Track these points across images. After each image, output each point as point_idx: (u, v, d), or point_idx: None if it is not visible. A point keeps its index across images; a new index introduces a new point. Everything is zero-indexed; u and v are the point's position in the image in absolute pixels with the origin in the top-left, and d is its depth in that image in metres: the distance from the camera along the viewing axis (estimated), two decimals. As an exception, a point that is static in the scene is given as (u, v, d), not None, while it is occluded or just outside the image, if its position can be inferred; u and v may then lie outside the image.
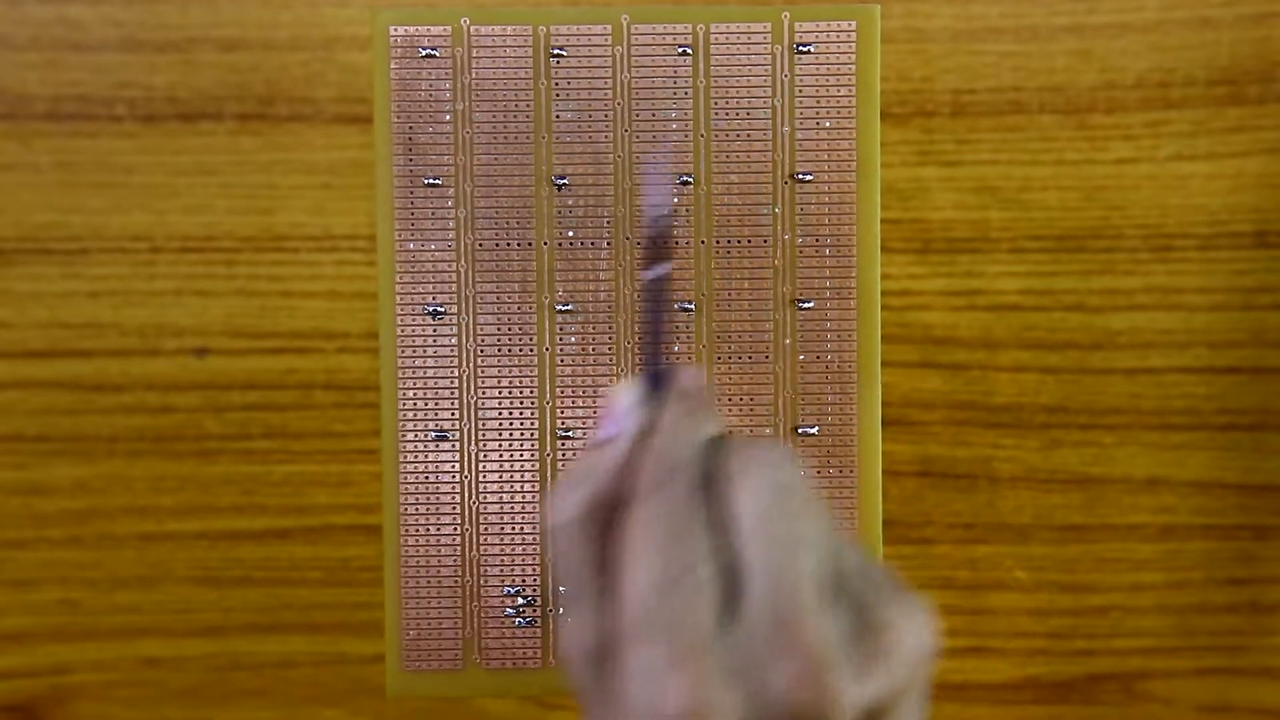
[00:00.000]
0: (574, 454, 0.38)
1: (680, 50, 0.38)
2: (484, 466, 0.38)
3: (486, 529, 0.38)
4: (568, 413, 0.38)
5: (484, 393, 0.38)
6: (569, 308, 0.38)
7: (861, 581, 0.31)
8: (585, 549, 0.31)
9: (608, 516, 0.31)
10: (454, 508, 0.38)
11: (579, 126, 0.38)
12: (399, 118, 0.38)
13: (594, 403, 0.38)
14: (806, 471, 0.31)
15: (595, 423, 0.33)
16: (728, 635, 0.29)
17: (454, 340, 0.38)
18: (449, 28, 0.38)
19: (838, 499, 0.38)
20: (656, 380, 0.33)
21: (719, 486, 0.30)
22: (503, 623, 0.38)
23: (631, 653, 0.29)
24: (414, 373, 0.38)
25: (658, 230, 0.35)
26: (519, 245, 0.38)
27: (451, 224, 0.38)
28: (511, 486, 0.38)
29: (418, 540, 0.38)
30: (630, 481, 0.31)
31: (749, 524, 0.30)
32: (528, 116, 0.38)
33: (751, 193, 0.38)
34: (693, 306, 0.38)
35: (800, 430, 0.38)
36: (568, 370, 0.38)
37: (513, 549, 0.38)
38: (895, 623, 0.30)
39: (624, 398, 0.33)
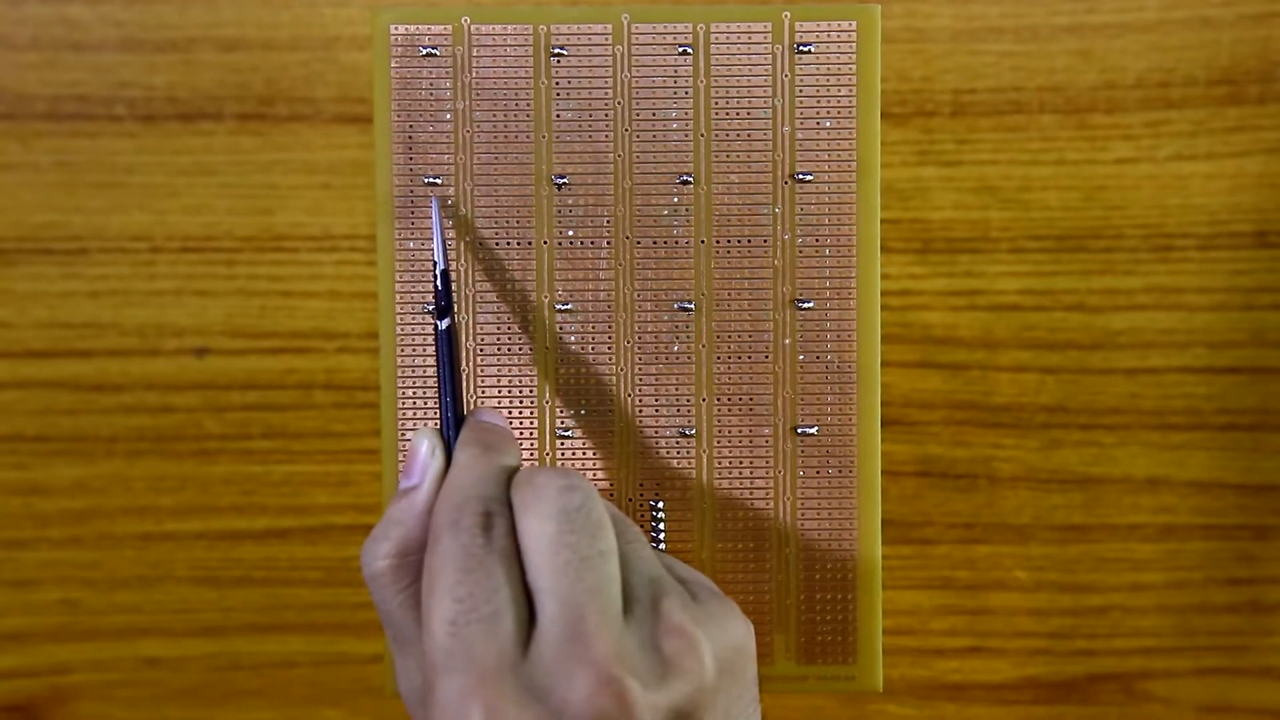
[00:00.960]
0: (573, 456, 0.38)
1: (680, 50, 0.38)
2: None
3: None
4: (568, 412, 0.38)
5: (484, 392, 0.38)
6: (569, 307, 0.38)
7: (659, 590, 0.32)
8: (399, 596, 0.32)
9: (416, 562, 0.32)
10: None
11: (579, 126, 0.38)
12: (399, 117, 0.38)
13: (594, 402, 0.38)
14: (593, 494, 0.32)
15: (398, 475, 0.34)
16: (525, 659, 0.30)
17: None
18: (449, 27, 0.38)
19: (838, 499, 0.38)
20: (452, 427, 0.35)
21: (509, 519, 0.31)
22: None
23: (437, 685, 0.30)
24: (414, 373, 0.38)
25: (443, 281, 0.36)
26: (519, 245, 0.38)
27: (451, 224, 0.38)
28: (511, 486, 0.38)
29: (418, 540, 0.38)
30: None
31: (536, 552, 0.31)
32: (528, 116, 0.38)
33: (751, 193, 0.38)
34: (693, 306, 0.38)
35: (800, 430, 0.38)
36: (568, 370, 0.38)
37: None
38: (694, 625, 0.31)
39: (420, 446, 0.34)
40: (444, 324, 0.35)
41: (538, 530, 0.31)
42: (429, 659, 0.30)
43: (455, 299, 0.38)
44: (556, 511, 0.31)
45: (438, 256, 0.36)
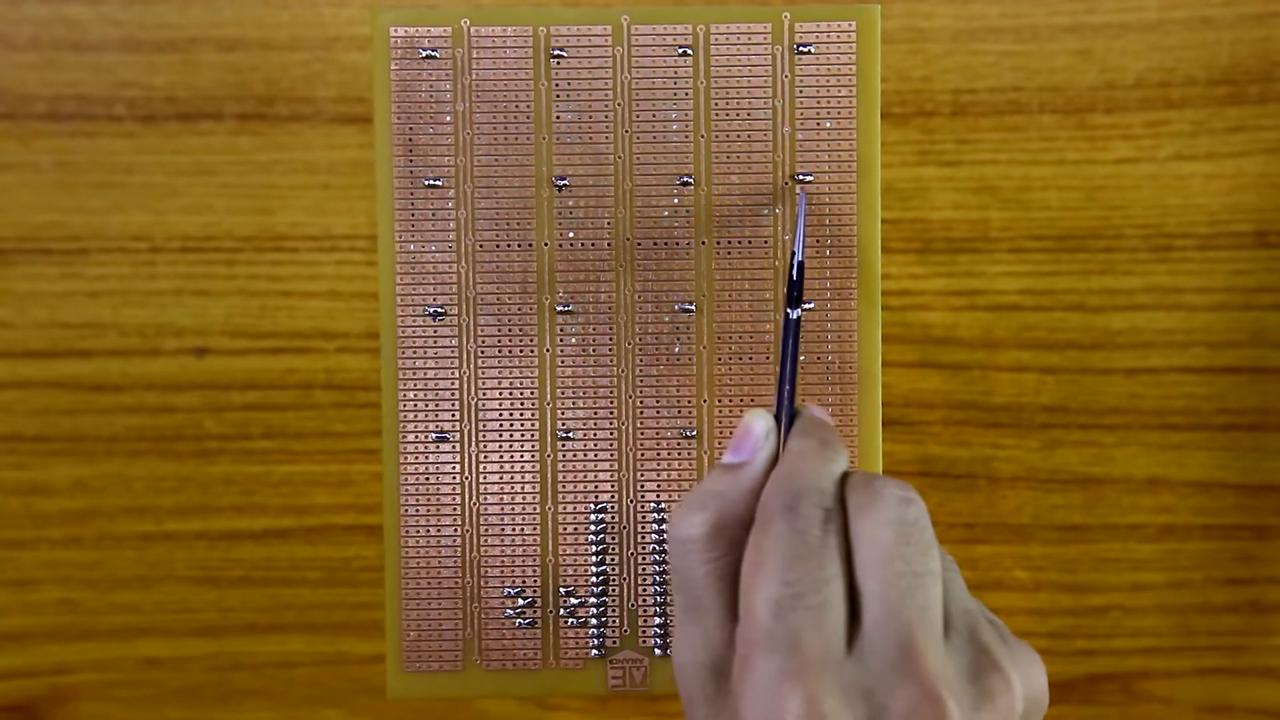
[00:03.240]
0: (573, 457, 0.38)
1: (680, 51, 0.38)
2: (484, 467, 0.38)
3: (487, 530, 0.38)
4: (568, 414, 0.38)
5: (484, 394, 0.38)
6: (569, 309, 0.38)
7: (975, 623, 0.32)
8: (708, 565, 0.32)
9: (733, 536, 0.32)
10: (454, 508, 0.38)
11: (579, 127, 0.38)
12: (399, 118, 0.38)
13: (594, 403, 0.38)
14: (926, 511, 0.31)
15: (728, 446, 0.34)
16: (848, 657, 0.30)
17: (454, 341, 0.38)
18: (449, 28, 0.38)
19: (838, 499, 0.38)
20: (788, 416, 0.34)
21: (845, 518, 0.31)
22: (503, 624, 0.38)
23: (754, 664, 0.30)
24: (414, 373, 0.38)
25: (798, 273, 0.36)
26: (519, 246, 0.38)
27: (452, 224, 0.38)
28: (512, 487, 0.38)
29: (418, 541, 0.38)
30: (757, 506, 0.32)
31: (870, 557, 0.31)
32: (528, 117, 0.38)
33: (752, 193, 0.38)
34: (693, 307, 0.38)
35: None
36: (568, 371, 0.38)
37: (513, 550, 0.38)
38: (1011, 666, 0.31)
39: (756, 425, 0.33)
40: (795, 314, 0.35)
41: (874, 535, 0.31)
42: (746, 635, 0.30)
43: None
44: (895, 520, 0.31)
45: (797, 248, 0.36)
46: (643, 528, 0.38)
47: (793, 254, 0.37)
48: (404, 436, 0.38)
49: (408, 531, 0.38)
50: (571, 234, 0.38)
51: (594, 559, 0.38)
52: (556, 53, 0.38)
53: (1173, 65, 0.47)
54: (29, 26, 0.47)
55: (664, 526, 0.38)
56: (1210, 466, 0.48)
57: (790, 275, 0.36)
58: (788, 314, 0.35)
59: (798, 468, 0.32)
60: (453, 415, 0.38)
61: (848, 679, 0.29)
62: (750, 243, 0.38)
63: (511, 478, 0.38)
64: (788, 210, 0.38)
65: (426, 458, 0.38)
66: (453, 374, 0.38)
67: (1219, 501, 0.48)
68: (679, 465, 0.38)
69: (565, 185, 0.38)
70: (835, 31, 0.38)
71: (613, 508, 0.38)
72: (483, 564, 0.38)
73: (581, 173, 0.38)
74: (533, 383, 0.38)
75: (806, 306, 0.38)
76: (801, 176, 0.38)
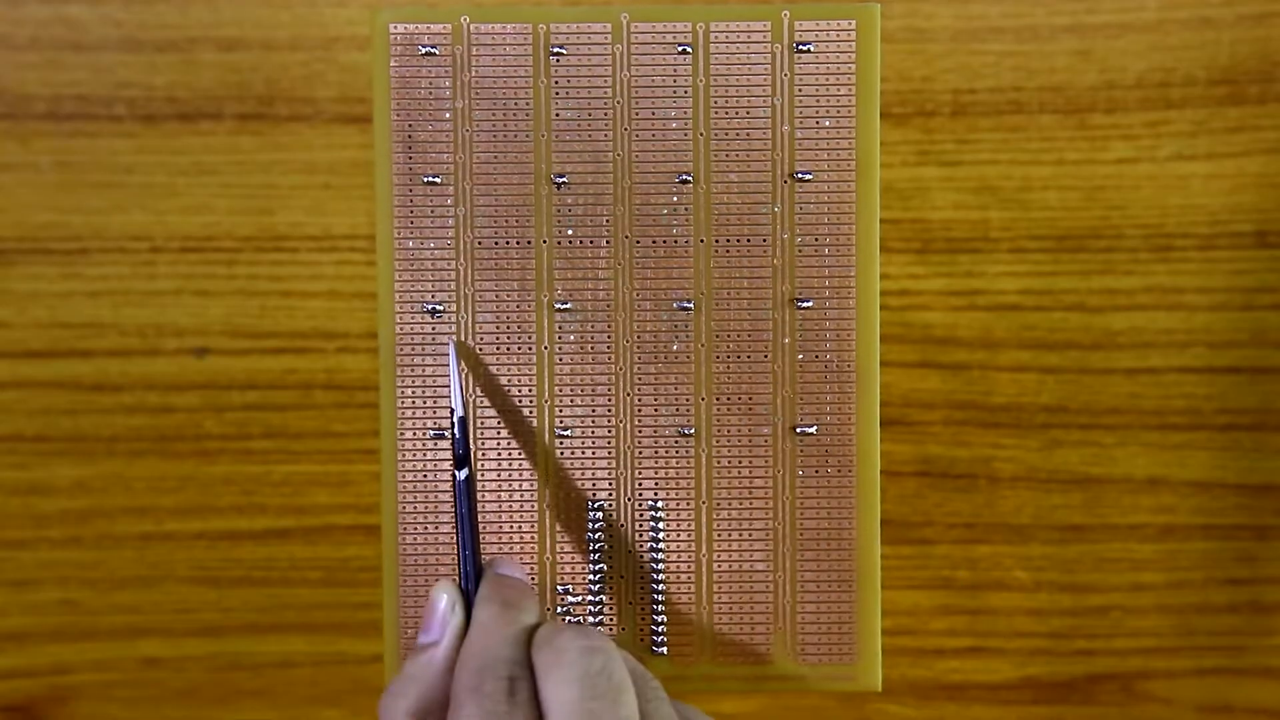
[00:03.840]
0: (572, 455, 0.38)
1: (680, 49, 0.38)
2: (483, 466, 0.38)
3: (485, 529, 0.38)
4: (566, 412, 0.38)
5: (484, 393, 0.38)
6: (568, 306, 0.38)
7: None
8: None
9: (438, 718, 0.32)
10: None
11: (578, 125, 0.38)
12: (399, 117, 0.38)
13: (593, 402, 0.38)
14: (614, 654, 0.32)
15: (416, 629, 0.34)
16: None
17: (453, 339, 0.38)
18: (449, 26, 0.38)
19: (835, 499, 0.38)
20: (471, 579, 0.35)
21: (532, 683, 0.31)
22: (502, 623, 0.38)
23: None
24: (414, 373, 0.38)
25: (460, 429, 0.36)
26: (518, 244, 0.38)
27: (451, 223, 0.38)
28: (511, 486, 0.38)
29: (417, 540, 0.38)
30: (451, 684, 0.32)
31: (560, 717, 0.31)
32: (527, 115, 0.38)
33: (751, 192, 0.38)
34: (692, 306, 0.38)
35: (799, 429, 0.38)
36: (567, 369, 0.38)
37: (512, 549, 0.38)
38: None
39: (439, 602, 0.34)
40: (462, 474, 0.35)
41: (560, 697, 0.31)
42: None
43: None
44: (579, 676, 0.31)
45: (455, 403, 0.36)
46: (640, 526, 0.38)
47: (451, 410, 0.37)
48: (403, 436, 0.38)
49: (407, 531, 0.38)
50: (570, 232, 0.38)
51: (592, 557, 0.38)
52: (556, 50, 0.38)
53: (1173, 65, 0.47)
54: (29, 26, 0.47)
55: (661, 525, 0.38)
56: (1210, 466, 0.48)
57: (453, 433, 0.36)
58: (454, 475, 0.35)
59: (480, 642, 0.33)
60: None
61: None
62: (749, 241, 0.38)
63: (510, 477, 0.38)
64: (787, 209, 0.38)
65: (426, 457, 0.38)
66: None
67: (1219, 501, 0.48)
68: (677, 464, 0.38)
69: (564, 183, 0.38)
70: (835, 30, 0.38)
71: (610, 506, 0.38)
72: (482, 563, 0.38)
73: (580, 170, 0.38)
74: (532, 381, 0.38)
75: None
76: (801, 175, 0.38)
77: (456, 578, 0.35)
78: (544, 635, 0.32)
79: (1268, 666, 0.48)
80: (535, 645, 0.32)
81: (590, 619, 0.38)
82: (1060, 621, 0.48)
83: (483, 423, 0.38)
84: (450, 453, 0.37)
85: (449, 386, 0.38)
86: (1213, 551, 0.48)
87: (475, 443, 0.38)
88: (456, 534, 0.35)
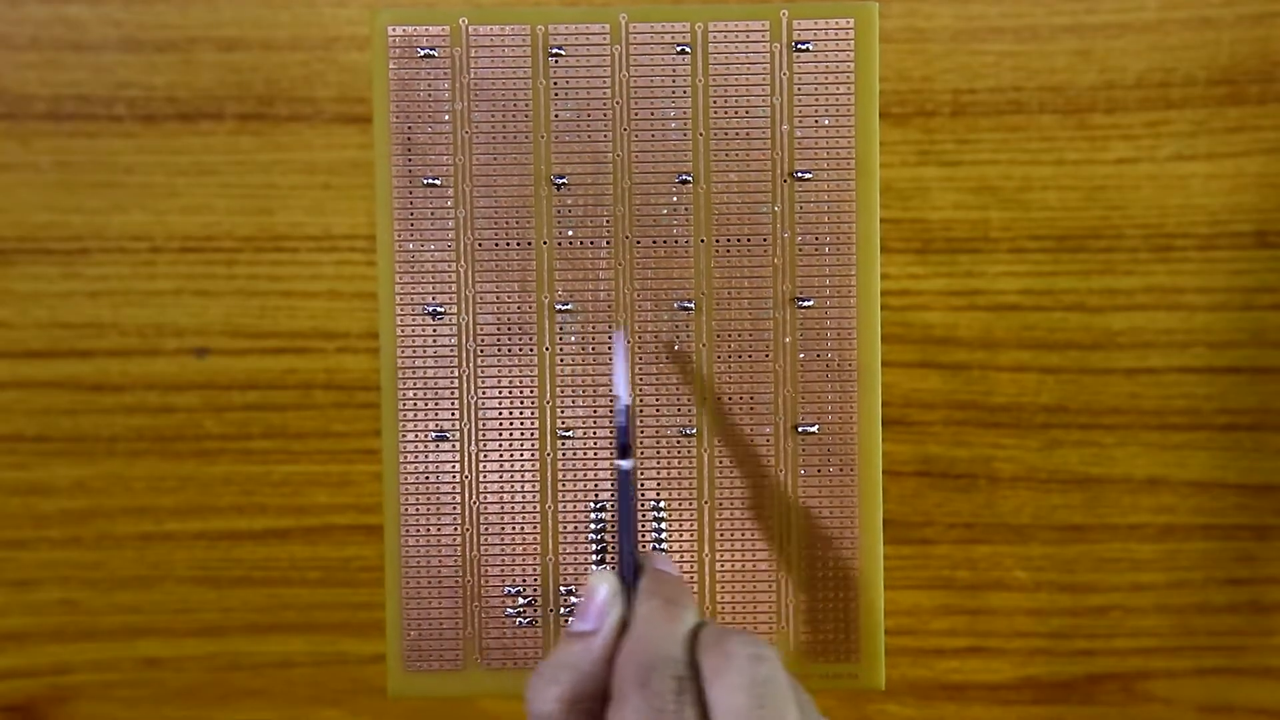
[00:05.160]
0: (573, 456, 0.38)
1: (679, 49, 0.38)
2: (484, 466, 0.38)
3: (487, 529, 0.38)
4: (568, 412, 0.38)
5: (484, 393, 0.38)
6: (568, 307, 0.38)
7: None
8: None
9: (588, 709, 0.32)
10: (454, 508, 0.38)
11: (578, 126, 0.38)
12: (398, 118, 0.38)
13: (594, 402, 0.38)
14: (779, 664, 0.32)
15: (572, 615, 0.34)
16: None
17: (454, 340, 0.38)
18: (447, 28, 0.38)
19: (838, 498, 0.38)
20: (631, 570, 0.34)
21: (698, 684, 0.31)
22: (503, 623, 0.38)
23: None
24: (414, 373, 0.38)
25: (624, 421, 0.36)
26: (518, 245, 0.38)
27: (451, 224, 0.38)
28: (512, 486, 0.38)
29: (418, 540, 0.38)
30: (611, 677, 0.32)
31: None
32: (526, 116, 0.38)
33: (751, 191, 0.38)
34: (692, 305, 0.38)
35: (800, 429, 0.38)
36: (568, 370, 0.38)
37: (513, 549, 0.38)
38: None
39: (600, 591, 0.33)
40: (627, 464, 0.35)
41: (729, 702, 0.30)
42: None
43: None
44: (747, 683, 0.31)
45: (621, 393, 0.36)
46: (642, 526, 0.38)
47: (617, 398, 0.36)
48: (404, 436, 0.38)
49: (408, 531, 0.38)
50: (570, 232, 0.38)
51: (594, 557, 0.38)
52: (555, 51, 0.38)
53: (1173, 65, 0.47)
54: (29, 26, 0.47)
55: (663, 525, 0.38)
56: (1210, 466, 0.48)
57: (618, 422, 0.36)
58: (619, 466, 0.35)
59: (647, 636, 0.32)
60: (452, 414, 0.38)
61: None
62: (749, 240, 0.38)
63: (511, 477, 0.38)
64: (787, 208, 0.38)
65: (426, 457, 0.38)
66: (452, 373, 0.38)
67: (1219, 501, 0.48)
68: (679, 463, 0.38)
69: (564, 184, 0.38)
70: (833, 29, 0.38)
71: (612, 506, 0.38)
72: (483, 563, 0.38)
73: (580, 171, 0.38)
74: (532, 382, 0.38)
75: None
76: (800, 174, 0.38)
77: (615, 568, 0.35)
78: (711, 637, 0.32)
79: (1268, 666, 0.48)
80: (702, 647, 0.32)
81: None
82: (1060, 621, 0.48)
83: (483, 422, 0.38)
84: (616, 442, 0.37)
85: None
86: (1213, 551, 0.48)
87: (478, 440, 0.38)
88: (619, 525, 0.35)
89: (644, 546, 0.38)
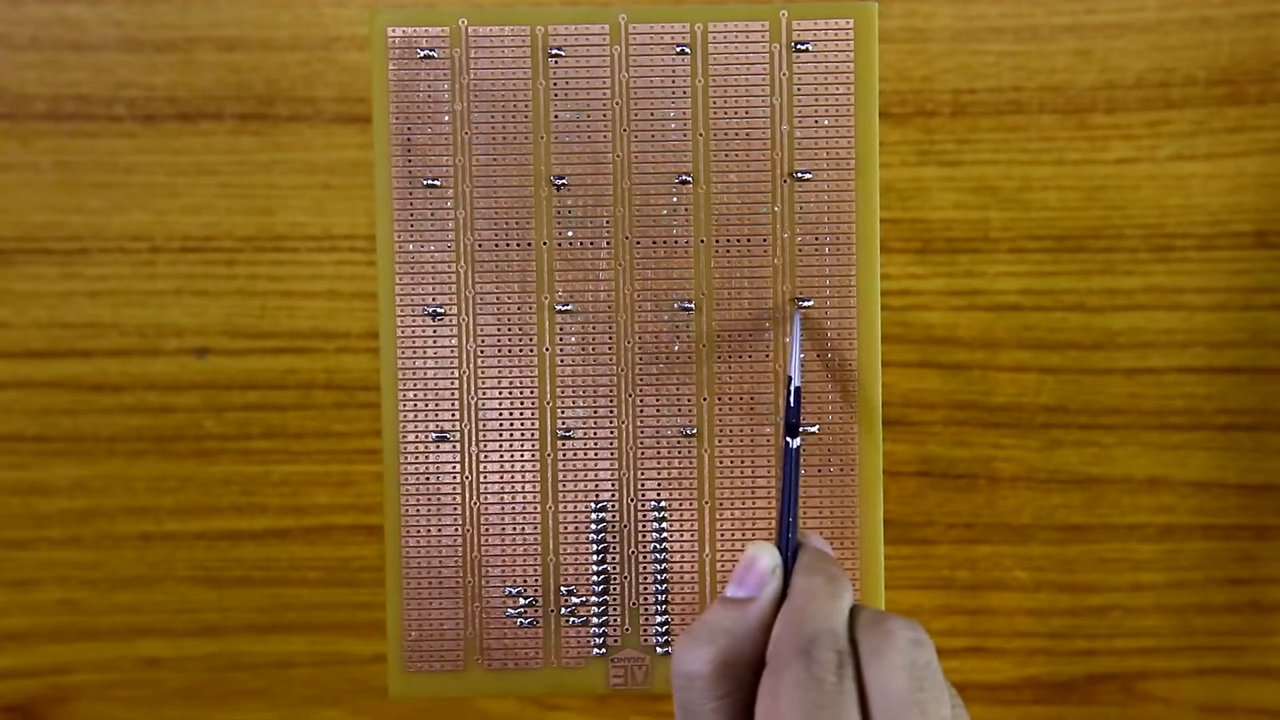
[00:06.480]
0: (574, 456, 0.38)
1: (678, 49, 0.38)
2: (484, 467, 0.38)
3: (487, 529, 0.38)
4: (568, 413, 0.38)
5: (484, 393, 0.38)
6: (569, 308, 0.38)
7: None
8: (714, 703, 0.32)
9: (740, 675, 0.32)
10: (455, 508, 0.38)
11: (577, 126, 0.38)
12: (398, 118, 0.38)
13: (594, 402, 0.38)
14: (934, 651, 0.31)
15: (731, 579, 0.34)
16: None
17: (454, 340, 0.38)
18: (447, 28, 0.38)
19: (838, 498, 0.38)
20: (790, 546, 0.34)
21: (858, 661, 0.31)
22: (504, 623, 0.38)
23: None
24: (414, 373, 0.38)
25: (794, 403, 0.36)
26: (518, 245, 0.38)
27: (451, 224, 0.38)
28: (512, 486, 0.38)
29: (419, 540, 0.38)
30: (768, 645, 0.32)
31: (886, 703, 0.30)
32: (526, 117, 0.38)
33: (750, 191, 0.38)
34: (692, 305, 0.38)
35: (800, 429, 0.38)
36: (568, 370, 0.38)
37: (514, 549, 0.38)
38: None
39: (762, 560, 0.33)
40: (795, 443, 0.35)
41: (889, 681, 0.30)
42: None
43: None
44: (908, 664, 0.31)
45: (793, 373, 0.36)
46: (643, 526, 0.38)
47: (789, 379, 0.37)
48: (404, 436, 0.38)
49: (408, 531, 0.38)
50: (570, 233, 0.38)
51: (595, 558, 0.38)
52: (554, 52, 0.38)
53: (1173, 65, 0.47)
54: (29, 26, 0.47)
55: (664, 525, 0.38)
56: (1210, 466, 0.48)
57: (787, 402, 0.36)
58: (787, 443, 0.35)
59: (809, 608, 0.32)
60: (452, 415, 0.38)
61: None
62: (749, 241, 0.38)
63: (512, 477, 0.38)
64: (787, 208, 0.38)
65: (426, 457, 0.38)
66: (452, 374, 0.38)
67: (1219, 501, 0.48)
68: (679, 464, 0.38)
69: (564, 184, 0.38)
70: (833, 29, 0.38)
71: (613, 506, 0.38)
72: (483, 563, 0.38)
73: (580, 172, 0.38)
74: (532, 382, 0.38)
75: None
76: (800, 174, 0.38)
77: (774, 540, 0.35)
78: (871, 617, 0.32)
79: (1268, 666, 0.48)
80: (862, 625, 0.32)
81: (594, 620, 0.38)
82: (1060, 621, 0.48)
83: (483, 422, 0.38)
84: (784, 421, 0.37)
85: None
86: (1213, 551, 0.48)
87: (478, 440, 0.38)
88: (781, 500, 0.35)
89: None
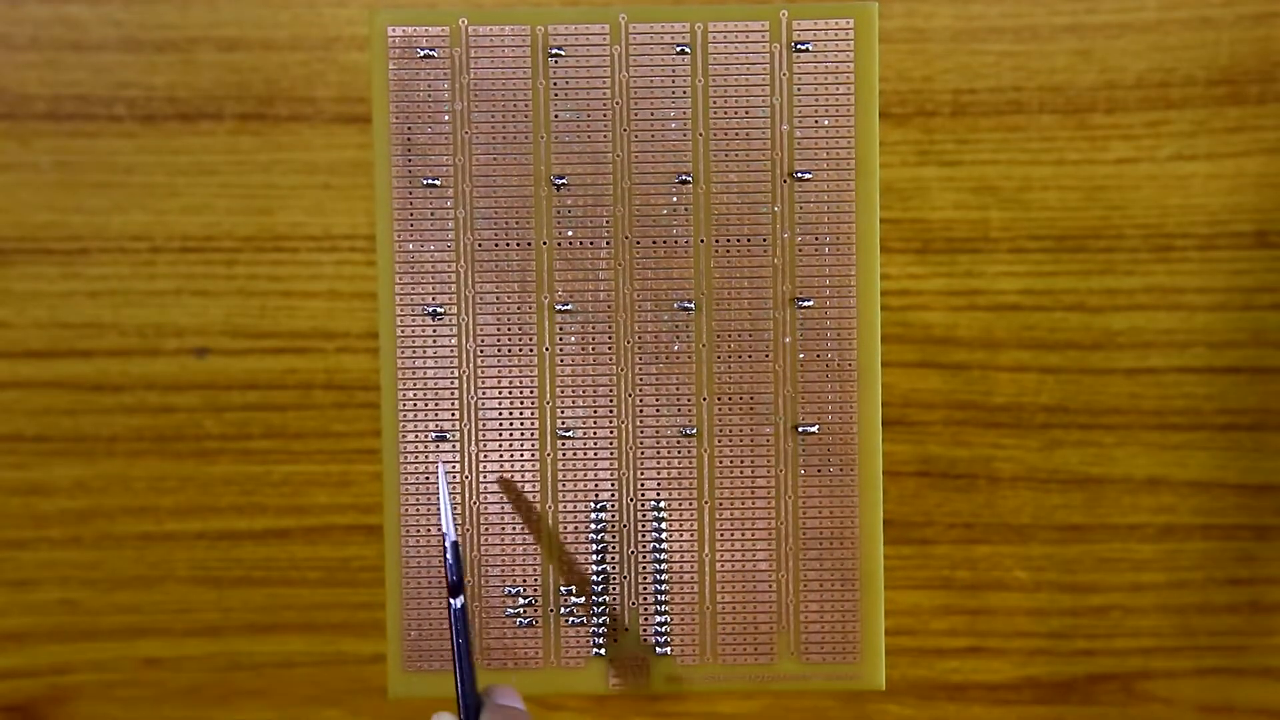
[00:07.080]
0: (573, 456, 0.38)
1: (678, 49, 0.38)
2: (484, 467, 0.38)
3: (487, 529, 0.38)
4: (568, 413, 0.38)
5: (484, 393, 0.38)
6: (568, 307, 0.38)
7: None
8: None
9: None
10: (454, 508, 0.38)
11: (577, 126, 0.38)
12: (398, 118, 0.38)
13: (594, 402, 0.38)
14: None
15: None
16: None
17: (454, 340, 0.38)
18: (447, 28, 0.38)
19: (838, 498, 0.38)
20: (474, 708, 0.34)
21: None
22: (503, 623, 0.38)
23: None
24: (414, 373, 0.38)
25: (453, 555, 0.35)
26: (518, 245, 0.38)
27: (451, 224, 0.38)
28: (512, 487, 0.38)
29: (418, 540, 0.38)
30: None
31: None
32: (526, 116, 0.38)
33: (750, 191, 0.38)
34: (692, 306, 0.38)
35: (800, 429, 0.38)
36: (567, 370, 0.38)
37: (513, 549, 0.38)
38: None
39: None
40: (458, 603, 0.35)
41: None
42: None
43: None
44: None
45: (446, 528, 0.36)
46: (643, 526, 0.38)
47: (443, 535, 0.36)
48: (404, 436, 0.38)
49: (408, 531, 0.38)
50: (570, 233, 0.38)
51: (594, 558, 0.38)
52: (554, 52, 0.38)
53: (1173, 65, 0.47)
54: (29, 26, 0.47)
55: (663, 525, 0.38)
56: (1210, 466, 0.48)
57: (445, 559, 0.35)
58: (450, 604, 0.35)
59: None
60: (452, 415, 0.38)
61: None
62: (749, 240, 0.38)
63: (511, 477, 0.38)
64: (787, 208, 0.38)
65: (426, 457, 0.38)
66: (452, 373, 0.38)
67: (1219, 501, 0.48)
68: (679, 464, 0.38)
69: (564, 184, 0.38)
70: (833, 29, 0.38)
71: (613, 506, 0.38)
72: (483, 563, 0.38)
73: (580, 171, 0.38)
74: (532, 382, 0.38)
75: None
76: (800, 174, 0.38)
77: (457, 710, 0.35)
78: None
79: (1268, 666, 0.48)
80: None
81: (593, 620, 0.38)
82: (1060, 621, 0.48)
83: (483, 422, 0.38)
84: (444, 581, 0.37)
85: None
86: (1213, 551, 0.48)
87: (478, 440, 0.38)
88: (455, 663, 0.35)
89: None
